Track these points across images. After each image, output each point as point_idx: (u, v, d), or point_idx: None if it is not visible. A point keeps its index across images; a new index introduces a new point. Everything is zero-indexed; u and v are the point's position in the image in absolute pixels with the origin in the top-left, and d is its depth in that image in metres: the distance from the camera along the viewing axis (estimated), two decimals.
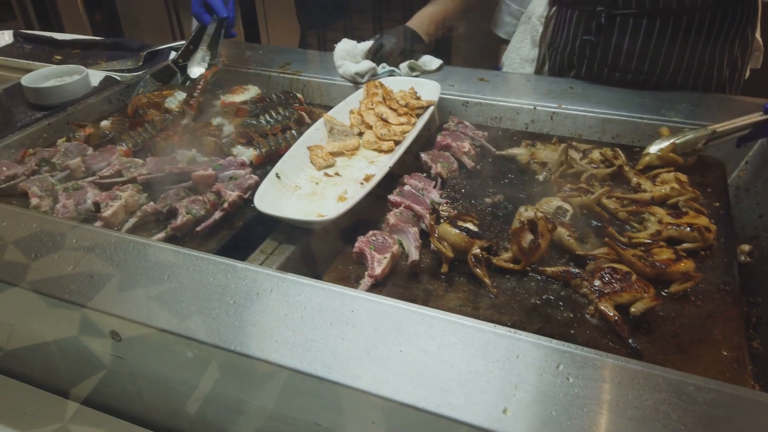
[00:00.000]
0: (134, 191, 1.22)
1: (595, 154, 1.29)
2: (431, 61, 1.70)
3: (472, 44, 2.32)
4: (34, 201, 1.21)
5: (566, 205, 1.13)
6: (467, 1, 1.88)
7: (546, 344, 0.68)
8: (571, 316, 0.93)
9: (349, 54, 1.67)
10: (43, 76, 1.72)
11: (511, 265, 1.02)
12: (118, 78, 1.75)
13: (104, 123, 1.50)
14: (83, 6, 3.66)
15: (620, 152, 1.28)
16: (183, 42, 1.77)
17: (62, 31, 3.09)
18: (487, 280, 0.99)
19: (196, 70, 1.67)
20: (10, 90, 1.71)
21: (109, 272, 0.84)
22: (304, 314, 0.75)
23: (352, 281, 1.01)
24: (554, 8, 1.86)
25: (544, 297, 0.97)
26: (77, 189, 1.23)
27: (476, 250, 1.03)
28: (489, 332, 0.70)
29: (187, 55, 1.71)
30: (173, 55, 1.81)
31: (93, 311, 0.79)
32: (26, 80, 1.68)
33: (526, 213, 1.08)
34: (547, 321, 0.92)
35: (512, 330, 0.70)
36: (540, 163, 1.28)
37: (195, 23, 1.70)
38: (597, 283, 0.95)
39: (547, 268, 1.01)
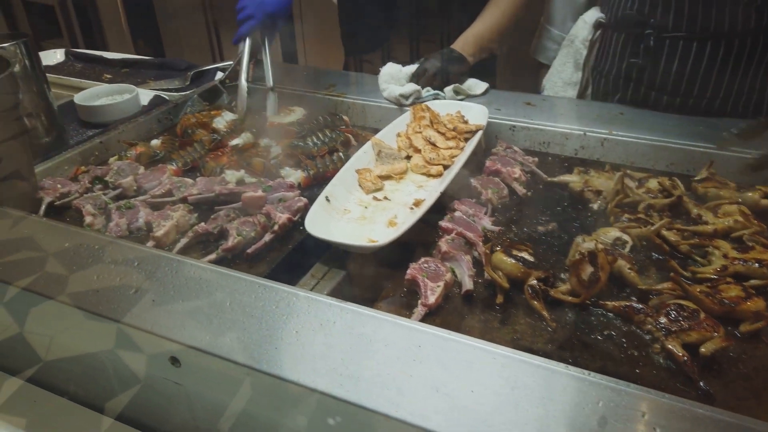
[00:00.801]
0: (185, 211, 1.23)
1: (652, 183, 1.25)
2: (476, 85, 1.68)
3: (513, 68, 2.31)
4: (88, 219, 1.23)
5: (625, 236, 1.10)
6: (513, 20, 1.85)
7: (627, 389, 0.65)
8: (635, 354, 0.89)
9: (394, 78, 1.68)
10: (95, 94, 1.76)
11: (570, 298, 0.99)
12: (167, 97, 1.79)
13: (155, 142, 1.53)
14: (127, 25, 3.79)
15: (678, 182, 1.24)
16: (230, 63, 1.80)
17: (107, 49, 3.18)
18: (545, 313, 0.96)
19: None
20: (63, 107, 1.76)
21: (171, 296, 0.84)
22: (369, 348, 0.73)
23: (404, 309, 1.00)
24: (599, 32, 1.84)
25: (605, 332, 0.94)
26: (130, 208, 1.25)
27: (533, 282, 1.00)
28: (566, 375, 0.67)
29: (234, 76, 1.74)
30: (219, 75, 1.84)
31: (154, 336, 0.79)
32: (79, 98, 1.73)
33: (584, 244, 1.05)
34: (610, 358, 0.89)
35: (591, 373, 0.67)
36: (594, 192, 1.25)
37: (242, 46, 1.72)
38: (663, 320, 0.91)
39: (608, 303, 0.97)
